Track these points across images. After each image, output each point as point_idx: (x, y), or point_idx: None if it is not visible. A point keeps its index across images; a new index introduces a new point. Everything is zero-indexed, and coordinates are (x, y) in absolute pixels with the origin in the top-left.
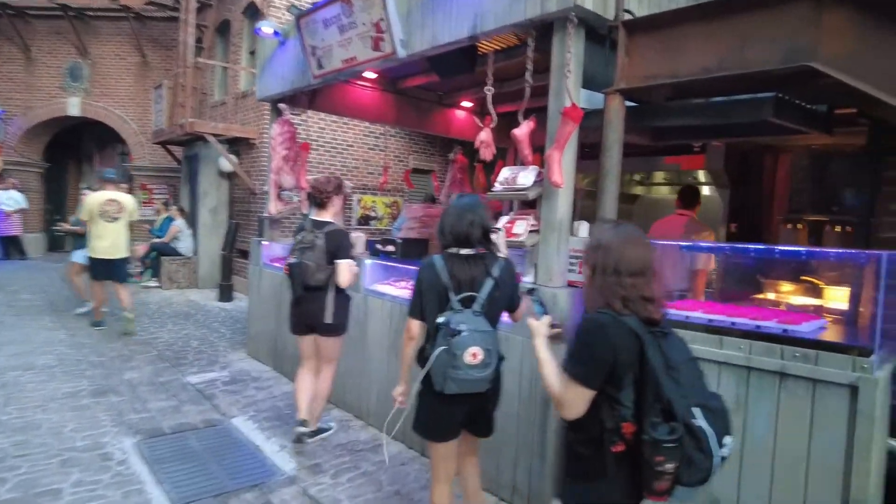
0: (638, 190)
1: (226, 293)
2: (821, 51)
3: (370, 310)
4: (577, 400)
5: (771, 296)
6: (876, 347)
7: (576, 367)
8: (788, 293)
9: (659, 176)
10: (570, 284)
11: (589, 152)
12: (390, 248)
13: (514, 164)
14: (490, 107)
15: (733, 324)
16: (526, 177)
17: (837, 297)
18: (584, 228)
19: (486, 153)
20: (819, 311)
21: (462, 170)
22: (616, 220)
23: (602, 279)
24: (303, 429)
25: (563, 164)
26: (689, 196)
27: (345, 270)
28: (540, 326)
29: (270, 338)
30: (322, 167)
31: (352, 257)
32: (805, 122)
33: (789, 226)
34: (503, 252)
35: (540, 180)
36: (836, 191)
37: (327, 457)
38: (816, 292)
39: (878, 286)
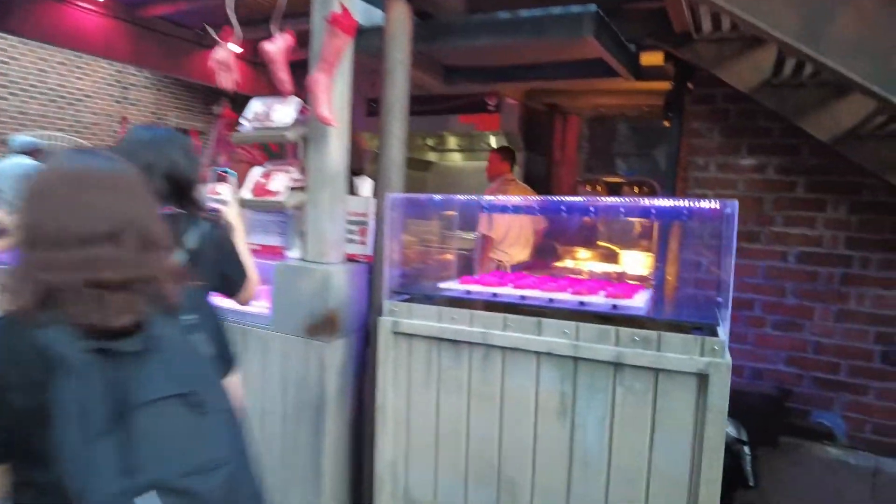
0: (431, 156)
1: None
2: None
3: None
4: None
5: (575, 263)
6: (721, 321)
7: None
8: (593, 260)
9: (453, 141)
10: (350, 259)
11: (376, 108)
12: None
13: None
14: (230, 12)
15: (551, 301)
16: (284, 111)
17: (648, 264)
18: (366, 185)
19: (226, 81)
20: (622, 279)
21: (230, 127)
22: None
23: (28, 253)
24: None
25: (334, 94)
26: (515, 158)
27: None
28: None
29: None
30: (45, 121)
31: None
32: (620, 54)
33: (588, 188)
34: (233, 214)
35: (305, 118)
36: (632, 151)
37: None
38: (626, 259)
39: (728, 247)
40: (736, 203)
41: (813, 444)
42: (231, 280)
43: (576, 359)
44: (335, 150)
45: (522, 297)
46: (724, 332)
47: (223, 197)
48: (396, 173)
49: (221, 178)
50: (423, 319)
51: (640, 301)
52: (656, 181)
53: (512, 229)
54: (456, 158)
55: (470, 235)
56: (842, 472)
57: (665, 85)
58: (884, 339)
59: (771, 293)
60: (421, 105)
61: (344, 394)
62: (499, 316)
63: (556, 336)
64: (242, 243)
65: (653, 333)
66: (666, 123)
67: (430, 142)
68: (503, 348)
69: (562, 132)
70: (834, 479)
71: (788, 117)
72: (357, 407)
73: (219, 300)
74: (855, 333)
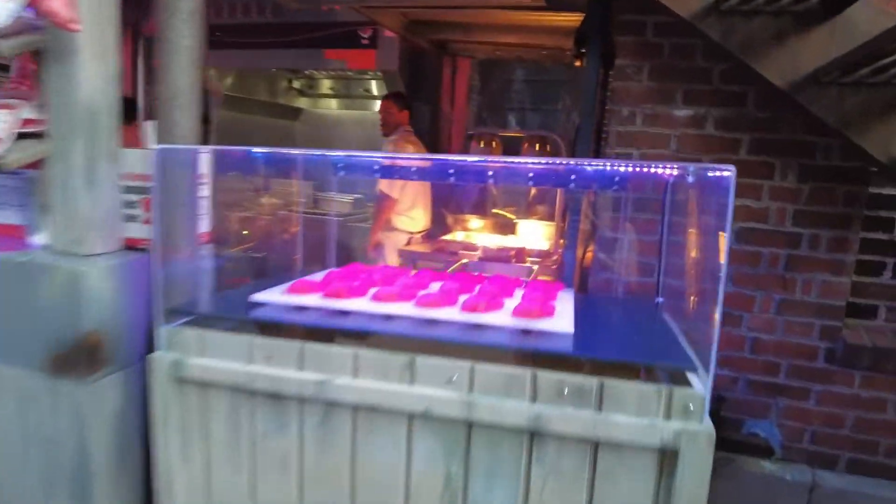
0: (301, 102)
1: None
2: None
3: None
4: None
5: (466, 236)
6: (698, 362)
7: None
8: (487, 231)
9: (326, 85)
10: (130, 246)
11: (222, 38)
12: None
13: None
14: None
15: (432, 322)
16: None
17: (549, 235)
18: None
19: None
20: (521, 255)
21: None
22: None
23: None
24: None
25: None
26: (410, 107)
27: None
28: None
29: None
30: None
31: None
32: None
33: (481, 143)
34: None
35: (37, 20)
36: (529, 101)
37: None
38: (525, 230)
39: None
40: (733, 168)
41: (746, 458)
42: None
43: (469, 423)
44: (91, 72)
45: (388, 317)
46: (703, 379)
47: None
48: (184, 110)
49: None
50: (223, 358)
51: (565, 320)
52: (558, 136)
53: (417, 190)
54: (331, 105)
55: (346, 199)
56: (777, 489)
57: (574, 20)
58: (829, 334)
59: None
60: (280, 35)
61: (125, 458)
62: (346, 352)
63: (437, 386)
64: None
65: (590, 381)
66: (577, 63)
67: (297, 84)
68: (354, 407)
69: (451, 77)
70: (769, 497)
71: (736, 53)
72: (148, 476)
73: None
74: (798, 327)
